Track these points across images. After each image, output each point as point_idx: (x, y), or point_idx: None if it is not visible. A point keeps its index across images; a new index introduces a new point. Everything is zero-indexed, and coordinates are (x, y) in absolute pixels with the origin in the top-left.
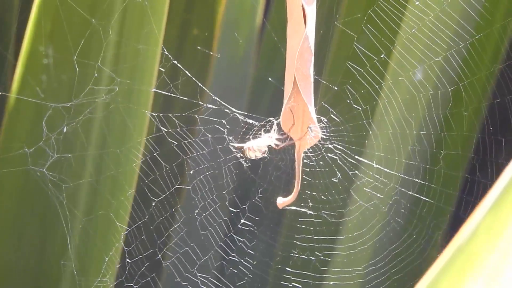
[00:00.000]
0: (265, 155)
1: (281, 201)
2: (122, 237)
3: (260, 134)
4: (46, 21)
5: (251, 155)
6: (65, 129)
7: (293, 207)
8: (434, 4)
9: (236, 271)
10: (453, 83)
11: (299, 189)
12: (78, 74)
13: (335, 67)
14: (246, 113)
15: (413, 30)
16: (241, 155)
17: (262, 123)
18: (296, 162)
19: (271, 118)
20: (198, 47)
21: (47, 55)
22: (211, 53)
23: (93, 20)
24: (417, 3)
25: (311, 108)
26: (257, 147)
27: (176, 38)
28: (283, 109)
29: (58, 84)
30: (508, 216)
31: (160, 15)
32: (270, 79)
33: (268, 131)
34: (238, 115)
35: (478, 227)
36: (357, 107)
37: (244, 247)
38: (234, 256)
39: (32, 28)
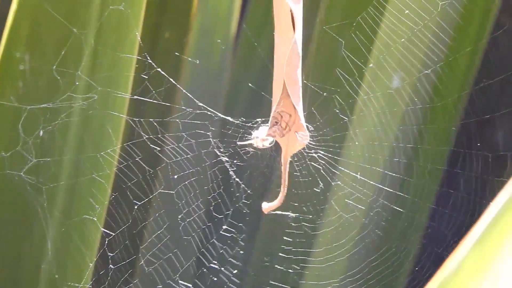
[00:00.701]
0: (272, 145)
1: (267, 206)
2: (104, 241)
3: (251, 134)
4: (23, 27)
5: (259, 144)
6: (41, 133)
7: (279, 212)
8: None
9: (216, 279)
10: (431, 99)
11: (285, 194)
12: (55, 81)
13: (325, 74)
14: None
15: (403, 39)
16: (227, 159)
17: (250, 125)
18: (282, 167)
19: (258, 120)
20: (176, 53)
21: (24, 61)
22: (189, 59)
23: (72, 28)
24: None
25: (300, 113)
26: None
27: (148, 43)
28: (271, 114)
29: (34, 90)
30: (492, 254)
31: (137, 21)
32: (250, 84)
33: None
34: (223, 117)
35: (462, 264)
36: (344, 117)
37: (226, 254)
38: (215, 264)
39: (9, 34)
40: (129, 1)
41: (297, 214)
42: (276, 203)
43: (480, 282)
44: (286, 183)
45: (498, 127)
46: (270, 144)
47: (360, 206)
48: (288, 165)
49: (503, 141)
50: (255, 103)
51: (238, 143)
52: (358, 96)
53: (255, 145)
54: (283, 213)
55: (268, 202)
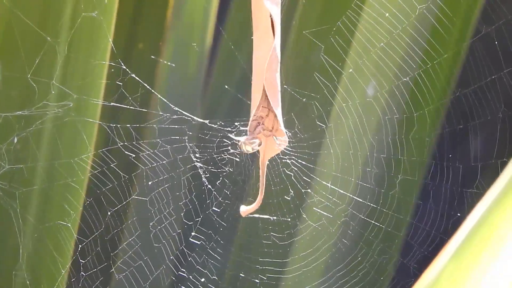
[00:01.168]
0: (260, 147)
1: (244, 209)
2: (77, 248)
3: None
4: None
5: (248, 149)
6: (15, 140)
7: (256, 215)
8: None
9: (183, 287)
10: (404, 111)
11: (262, 197)
12: (30, 88)
13: (304, 79)
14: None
15: (381, 44)
16: (202, 165)
17: (228, 129)
18: (260, 171)
19: (236, 123)
20: (152, 56)
21: None
22: (165, 62)
23: (46, 36)
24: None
25: (279, 118)
26: (249, 141)
27: (122, 51)
28: (250, 119)
29: (8, 98)
30: (470, 265)
31: (108, 27)
32: (226, 86)
33: (238, 134)
34: (201, 121)
35: (440, 275)
36: (321, 124)
37: (194, 262)
38: (183, 272)
39: None
40: (101, 8)
41: (277, 218)
42: (254, 206)
43: None
44: (264, 186)
45: (474, 138)
46: (259, 146)
47: (328, 215)
48: (266, 169)
49: (480, 151)
50: (235, 108)
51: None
52: (336, 103)
53: (244, 150)
54: (263, 216)
55: (246, 206)
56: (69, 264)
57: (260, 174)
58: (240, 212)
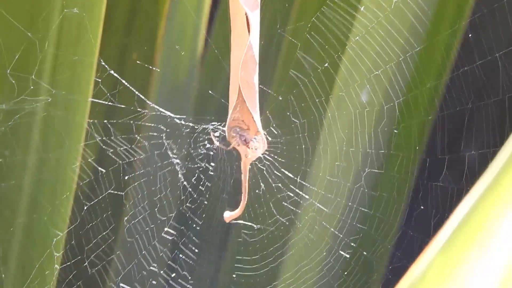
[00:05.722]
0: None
1: (228, 215)
2: (52, 241)
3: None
4: None
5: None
6: None
7: (240, 221)
8: (380, 12)
9: (155, 282)
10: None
11: (245, 202)
12: (9, 84)
13: (280, 77)
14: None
15: (357, 38)
16: (178, 161)
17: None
18: (242, 175)
19: (214, 123)
20: (138, 62)
21: None
22: (154, 68)
23: (29, 33)
24: (362, 9)
25: (256, 118)
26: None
27: (116, 59)
28: (228, 120)
29: None
30: (458, 258)
31: (96, 25)
32: (210, 91)
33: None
34: (177, 120)
35: (427, 270)
36: (295, 120)
37: (165, 258)
38: (154, 266)
39: None
40: (87, 5)
41: (262, 226)
42: (238, 212)
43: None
44: (247, 191)
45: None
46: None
47: (296, 210)
48: (248, 173)
49: (464, 144)
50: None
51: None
52: (311, 99)
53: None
54: (248, 223)
55: (230, 211)
56: (44, 257)
57: (242, 178)
58: (224, 218)
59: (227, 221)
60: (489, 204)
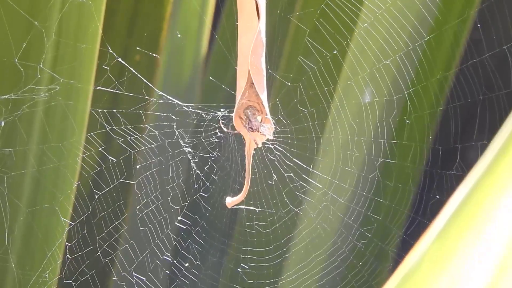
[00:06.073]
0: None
1: (230, 201)
2: (65, 231)
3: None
4: None
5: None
6: (2, 124)
7: (242, 206)
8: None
9: (168, 271)
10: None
11: (248, 188)
12: (17, 73)
13: (288, 63)
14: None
15: (365, 24)
16: (190, 150)
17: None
18: (246, 160)
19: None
20: (138, 51)
21: None
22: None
23: (34, 20)
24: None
25: (265, 104)
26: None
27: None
28: (236, 106)
29: None
30: (453, 246)
31: (99, 13)
32: (211, 78)
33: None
34: (185, 107)
35: (423, 257)
36: (303, 109)
37: (179, 247)
38: (168, 256)
39: None
40: None
41: (262, 209)
42: (240, 197)
43: (440, 277)
44: (250, 176)
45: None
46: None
47: (309, 199)
48: (251, 158)
49: (460, 134)
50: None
51: (228, 130)
52: (319, 88)
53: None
54: (248, 207)
55: (231, 197)
56: (55, 246)
57: (246, 163)
58: (226, 203)
59: (229, 206)
60: (484, 190)
